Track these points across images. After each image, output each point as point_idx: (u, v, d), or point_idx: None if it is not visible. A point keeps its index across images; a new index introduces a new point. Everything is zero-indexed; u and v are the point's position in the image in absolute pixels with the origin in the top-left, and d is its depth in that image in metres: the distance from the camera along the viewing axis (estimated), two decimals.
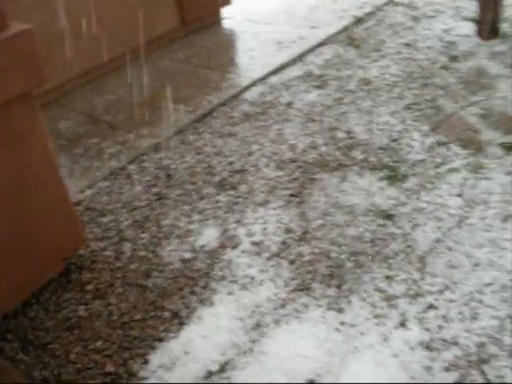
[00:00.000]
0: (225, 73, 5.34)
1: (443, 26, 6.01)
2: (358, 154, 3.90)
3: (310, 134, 4.20)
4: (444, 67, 5.04)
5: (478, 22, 5.65)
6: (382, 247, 3.12)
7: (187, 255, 3.26)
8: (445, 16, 6.35)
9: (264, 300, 2.90)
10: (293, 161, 3.92)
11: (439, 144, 3.93)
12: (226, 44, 6.14)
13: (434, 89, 4.66)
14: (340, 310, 2.79)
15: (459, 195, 3.45)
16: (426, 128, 4.12)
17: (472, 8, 5.96)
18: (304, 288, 2.94)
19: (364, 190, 3.56)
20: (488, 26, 5.59)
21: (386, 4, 6.88)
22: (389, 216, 3.33)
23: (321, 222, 3.34)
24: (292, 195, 3.59)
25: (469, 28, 5.76)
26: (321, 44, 5.77)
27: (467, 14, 6.17)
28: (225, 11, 6.69)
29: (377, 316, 2.74)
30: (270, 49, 5.76)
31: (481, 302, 2.77)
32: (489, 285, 2.86)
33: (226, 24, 6.62)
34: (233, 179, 3.83)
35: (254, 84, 5.07)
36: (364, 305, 2.80)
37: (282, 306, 2.85)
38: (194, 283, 3.07)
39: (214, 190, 3.76)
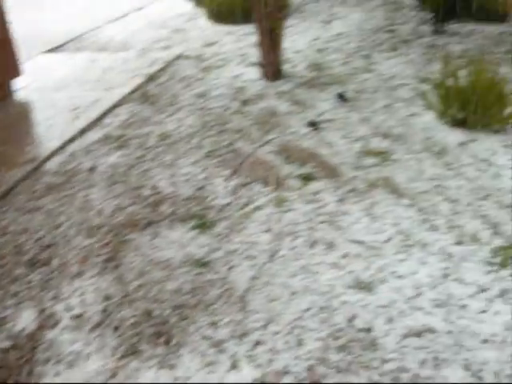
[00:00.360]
0: (22, 146, 5.16)
1: (232, 74, 6.32)
2: (165, 209, 3.94)
3: (116, 196, 4.17)
4: (237, 112, 5.28)
5: (263, 65, 6.02)
6: (203, 295, 3.15)
7: (6, 344, 3.06)
8: (232, 64, 6.69)
9: (93, 374, 2.80)
10: (102, 226, 3.86)
11: (242, 185, 4.09)
12: (20, 116, 5.94)
13: (230, 133, 4.86)
14: (172, 367, 2.76)
15: (267, 231, 3.60)
16: (227, 172, 4.27)
17: (256, 54, 6.34)
18: (132, 352, 2.88)
19: (177, 242, 3.59)
20: (272, 68, 5.98)
21: (176, 59, 7.10)
22: (204, 263, 3.38)
23: (139, 282, 3.31)
24: (106, 260, 3.52)
25: (255, 72, 6.11)
26: (117, 105, 5.79)
27: (252, 60, 6.55)
28: (16, 83, 6.49)
29: (208, 364, 2.75)
30: (66, 116, 5.67)
31: (303, 327, 2.88)
32: (308, 310, 2.99)
33: (19, 96, 6.43)
34: (43, 255, 3.68)
35: (54, 154, 4.95)
36: (194, 356, 2.80)
37: (113, 376, 2.76)
38: (18, 372, 2.88)
39: (25, 269, 3.58)
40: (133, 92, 6.11)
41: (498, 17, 7.94)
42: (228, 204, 3.91)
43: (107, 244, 3.67)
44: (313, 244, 3.45)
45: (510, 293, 3.01)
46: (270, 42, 5.93)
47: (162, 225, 3.77)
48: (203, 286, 3.21)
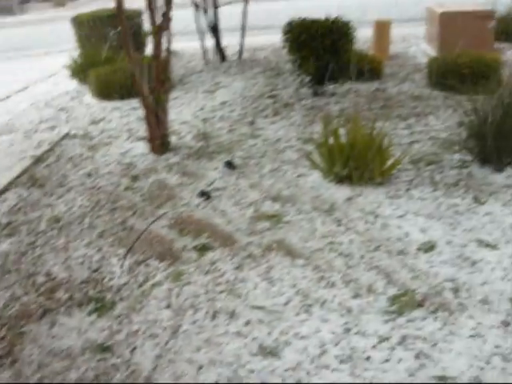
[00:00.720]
0: None
1: (120, 150, 6.32)
2: (62, 295, 3.81)
3: (8, 287, 4.00)
4: (128, 188, 5.27)
5: (150, 139, 6.06)
6: (108, 381, 3.06)
7: None
8: (120, 140, 6.69)
9: None
10: None
11: (138, 263, 4.05)
12: None
13: (123, 211, 4.83)
14: None
15: (168, 307, 3.56)
16: (122, 251, 4.22)
17: (142, 128, 6.38)
18: None
19: (75, 329, 3.47)
20: (159, 141, 6.03)
21: (62, 139, 7.01)
22: (106, 348, 3.29)
23: (39, 375, 3.17)
24: (2, 357, 3.36)
25: (143, 147, 6.14)
26: (3, 190, 5.62)
27: (139, 135, 6.58)
28: None
29: None
30: None
31: None
32: (216, 382, 2.96)
33: None
34: None
35: None
36: None
37: None
38: None
39: None
40: (20, 176, 5.96)
41: (371, 74, 8.43)
42: (125, 283, 3.85)
43: (2, 338, 3.51)
44: (214, 315, 3.44)
45: (410, 339, 3.12)
46: (156, 115, 5.99)
47: (59, 312, 3.65)
48: (107, 371, 3.12)
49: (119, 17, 5.80)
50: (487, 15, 9.30)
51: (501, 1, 10.47)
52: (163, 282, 3.81)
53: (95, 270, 4.05)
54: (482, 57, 7.56)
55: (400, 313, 3.34)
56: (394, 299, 3.47)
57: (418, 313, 3.33)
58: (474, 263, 3.78)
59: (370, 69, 8.39)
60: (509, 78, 6.89)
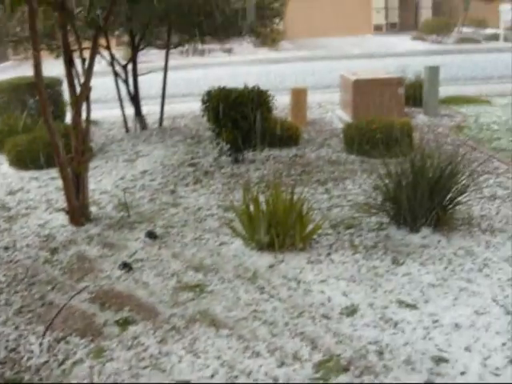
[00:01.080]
0: None
1: (39, 221, 6.17)
2: None
3: None
4: (47, 261, 5.13)
5: (70, 210, 5.95)
6: None
7: None
8: (39, 211, 6.54)
9: None
10: None
11: (57, 340, 3.90)
12: None
13: (42, 286, 4.68)
14: None
15: None
16: (40, 328, 4.06)
17: (62, 198, 6.27)
18: None
19: None
20: (79, 212, 5.93)
21: None
22: None
23: None
24: None
25: (63, 218, 6.01)
26: None
27: (59, 205, 6.45)
28: None
29: None
30: None
31: None
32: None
33: None
34: None
35: None
36: None
37: None
38: None
39: None
40: None
41: (290, 141, 8.66)
42: (45, 363, 3.68)
43: None
44: None
45: None
46: (75, 185, 5.91)
47: None
48: None
49: (37, 85, 5.75)
50: (397, 82, 9.80)
51: (409, 68, 11.06)
52: (84, 359, 3.68)
53: (12, 350, 3.87)
54: (394, 122, 7.92)
55: (326, 379, 3.36)
56: (319, 365, 3.48)
57: (343, 378, 3.35)
58: (395, 324, 3.87)
59: (288, 135, 8.63)
60: (419, 141, 7.26)
